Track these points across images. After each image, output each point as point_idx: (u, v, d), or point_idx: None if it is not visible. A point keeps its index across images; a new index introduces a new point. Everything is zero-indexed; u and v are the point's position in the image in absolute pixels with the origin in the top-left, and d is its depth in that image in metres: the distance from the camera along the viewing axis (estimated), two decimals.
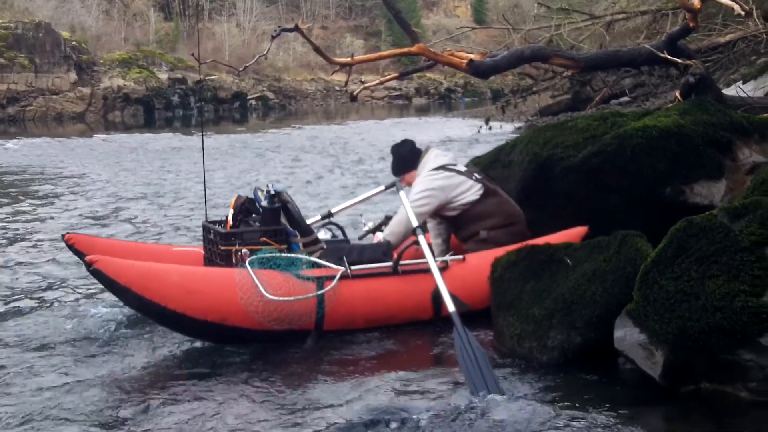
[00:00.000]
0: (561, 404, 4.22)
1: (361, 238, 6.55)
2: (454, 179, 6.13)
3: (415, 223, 5.70)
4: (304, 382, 4.68)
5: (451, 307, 5.00)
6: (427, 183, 6.12)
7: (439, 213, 6.21)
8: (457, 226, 6.27)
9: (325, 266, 5.40)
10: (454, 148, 19.98)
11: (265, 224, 5.73)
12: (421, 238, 5.57)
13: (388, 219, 6.47)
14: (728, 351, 4.01)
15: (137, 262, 5.20)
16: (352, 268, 5.42)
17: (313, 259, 5.44)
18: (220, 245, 5.59)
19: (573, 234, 5.98)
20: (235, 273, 5.19)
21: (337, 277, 5.28)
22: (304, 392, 4.52)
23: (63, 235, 6.19)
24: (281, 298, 5.08)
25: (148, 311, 5.12)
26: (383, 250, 5.71)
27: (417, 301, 5.53)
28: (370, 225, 6.59)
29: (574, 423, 3.98)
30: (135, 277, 5.00)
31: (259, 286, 5.04)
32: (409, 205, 5.84)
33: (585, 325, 4.66)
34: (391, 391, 4.48)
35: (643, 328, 4.24)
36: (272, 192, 5.75)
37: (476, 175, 6.22)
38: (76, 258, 6.28)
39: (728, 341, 3.99)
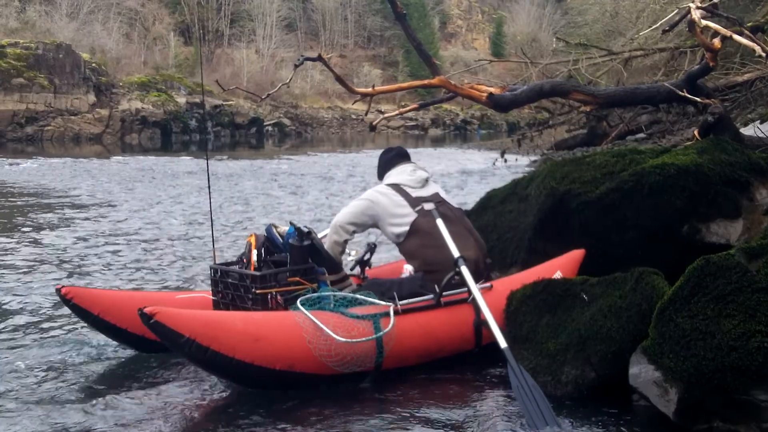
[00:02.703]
0: None
1: (352, 269, 6.35)
2: (394, 198, 5.89)
3: (456, 254, 5.52)
4: (357, 419, 4.59)
5: (503, 343, 4.87)
6: (367, 194, 5.99)
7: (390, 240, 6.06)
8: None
9: (373, 303, 5.23)
10: (470, 179, 20.02)
11: (294, 263, 5.53)
12: (464, 269, 5.42)
13: (371, 247, 6.32)
14: (743, 391, 4.00)
15: (197, 311, 4.93)
16: (400, 303, 5.27)
17: (361, 297, 5.25)
18: (256, 288, 5.33)
19: (571, 258, 6.06)
20: (295, 316, 4.96)
21: (392, 314, 5.13)
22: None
23: (58, 289, 5.61)
24: (351, 340, 4.89)
25: (212, 363, 4.73)
26: (420, 283, 5.56)
27: (461, 332, 5.44)
28: (354, 255, 6.30)
29: None
30: (199, 327, 4.65)
31: (325, 329, 4.84)
32: (445, 234, 5.66)
33: (600, 360, 4.66)
34: (447, 427, 4.47)
35: (658, 365, 4.24)
36: (304, 230, 5.59)
37: (425, 205, 5.87)
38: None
39: (743, 381, 3.99)
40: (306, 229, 5.62)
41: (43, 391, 5.06)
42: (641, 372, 4.32)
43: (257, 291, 5.32)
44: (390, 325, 5.05)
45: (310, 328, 4.86)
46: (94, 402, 4.81)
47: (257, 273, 5.40)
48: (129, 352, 5.86)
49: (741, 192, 6.07)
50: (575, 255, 6.13)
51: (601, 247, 6.19)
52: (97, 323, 5.63)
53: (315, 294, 5.19)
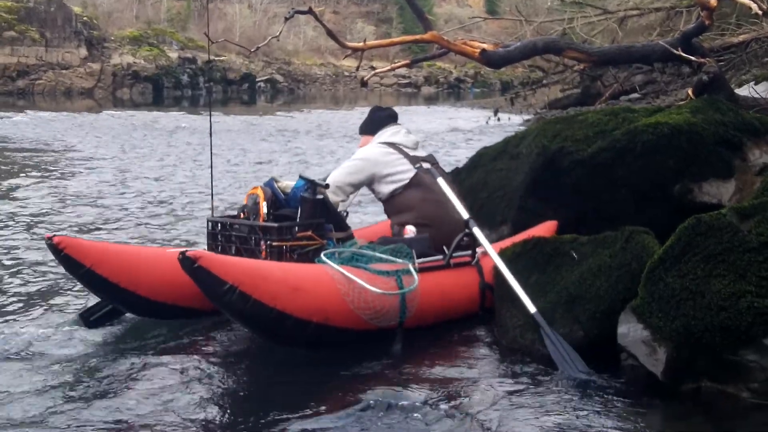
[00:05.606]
0: (560, 398, 4.22)
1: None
2: (392, 156, 5.82)
3: (465, 215, 5.49)
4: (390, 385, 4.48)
5: (531, 308, 4.85)
6: (363, 153, 5.90)
7: (377, 197, 5.99)
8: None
9: (391, 261, 5.12)
10: (462, 137, 19.96)
11: (305, 217, 5.33)
12: (476, 230, 5.41)
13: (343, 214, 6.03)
14: (731, 351, 4.00)
15: (237, 258, 4.82)
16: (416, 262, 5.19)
17: (380, 255, 5.11)
18: (272, 241, 5.13)
19: (545, 228, 6.05)
20: (325, 268, 4.84)
21: (414, 271, 5.05)
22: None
23: (49, 239, 5.08)
24: (387, 292, 4.82)
25: (251, 314, 4.55)
26: (427, 244, 5.47)
27: (469, 294, 5.44)
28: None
29: (573, 417, 3.98)
30: (242, 275, 4.47)
31: (359, 281, 4.75)
32: (449, 194, 5.63)
33: (588, 319, 4.65)
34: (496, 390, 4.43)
35: (646, 324, 4.23)
36: (320, 182, 5.41)
37: (423, 164, 5.83)
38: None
39: (732, 341, 3.98)
40: (323, 183, 5.46)
41: (27, 364, 4.72)
42: (630, 331, 4.31)
43: (274, 243, 5.15)
44: (415, 282, 4.98)
45: (342, 281, 4.77)
46: (82, 377, 4.58)
47: (274, 224, 5.21)
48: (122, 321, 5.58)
49: (734, 152, 6.05)
50: (549, 226, 6.15)
51: (591, 205, 6.18)
52: (88, 277, 5.18)
53: (337, 248, 5.10)
